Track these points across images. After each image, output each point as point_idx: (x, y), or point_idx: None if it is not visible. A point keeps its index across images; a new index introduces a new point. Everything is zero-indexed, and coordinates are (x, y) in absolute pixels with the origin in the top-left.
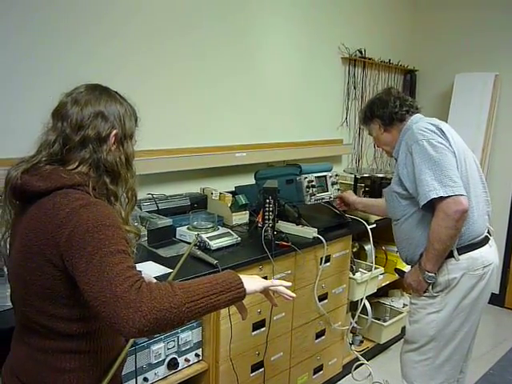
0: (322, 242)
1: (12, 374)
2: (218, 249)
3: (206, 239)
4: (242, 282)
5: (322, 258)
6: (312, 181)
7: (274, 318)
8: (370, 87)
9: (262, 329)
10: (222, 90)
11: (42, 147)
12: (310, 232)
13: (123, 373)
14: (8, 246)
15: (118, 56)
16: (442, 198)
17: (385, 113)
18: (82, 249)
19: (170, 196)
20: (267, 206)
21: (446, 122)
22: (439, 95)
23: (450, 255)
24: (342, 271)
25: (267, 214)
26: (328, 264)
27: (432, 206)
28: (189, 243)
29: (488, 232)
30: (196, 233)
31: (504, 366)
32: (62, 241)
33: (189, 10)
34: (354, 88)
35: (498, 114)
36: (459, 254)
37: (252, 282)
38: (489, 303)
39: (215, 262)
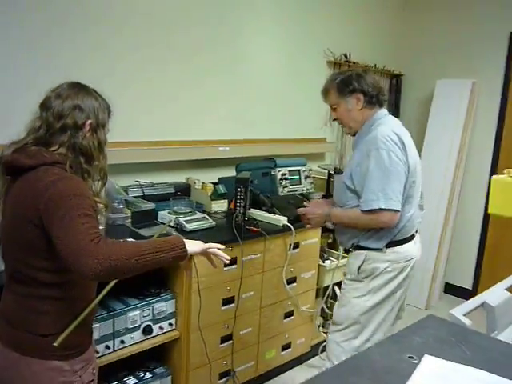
0: (290, 229)
1: (1, 317)
2: (193, 231)
3: (183, 222)
4: (184, 244)
5: (290, 245)
6: (285, 174)
7: (243, 295)
8: None
9: (231, 305)
10: (210, 88)
11: (30, 132)
12: (280, 220)
13: (102, 334)
14: (0, 212)
15: (112, 56)
16: (380, 209)
17: (373, 91)
18: (55, 212)
19: (157, 184)
20: (239, 194)
21: (426, 126)
22: (422, 100)
23: (378, 248)
24: (311, 258)
25: (239, 201)
26: (297, 250)
27: None
28: (171, 227)
29: (416, 230)
30: (174, 217)
31: (413, 329)
32: (41, 206)
33: (179, 11)
34: None
35: (475, 118)
36: (386, 248)
37: (193, 244)
38: (461, 298)
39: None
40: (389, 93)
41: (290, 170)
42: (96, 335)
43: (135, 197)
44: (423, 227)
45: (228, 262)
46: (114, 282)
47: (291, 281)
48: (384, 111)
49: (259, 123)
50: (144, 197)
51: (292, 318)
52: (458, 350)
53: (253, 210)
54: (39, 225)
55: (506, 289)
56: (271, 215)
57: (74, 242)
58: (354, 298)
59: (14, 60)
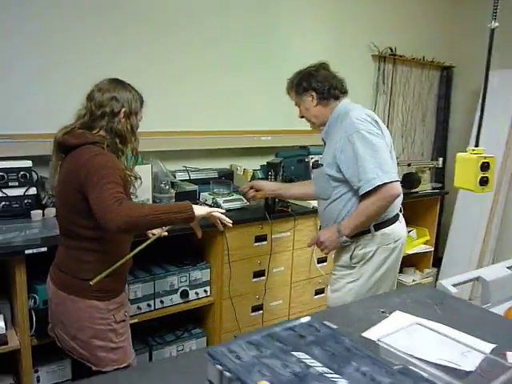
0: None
1: (55, 266)
2: (228, 210)
3: (220, 201)
4: (192, 208)
5: (320, 226)
6: (317, 161)
7: (274, 270)
8: (401, 83)
9: (262, 277)
10: (255, 81)
11: (77, 118)
12: (310, 202)
13: (144, 293)
14: (56, 182)
15: (170, 53)
16: (384, 184)
17: (323, 87)
18: (91, 179)
19: (202, 169)
20: (269, 177)
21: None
22: (475, 92)
23: (367, 231)
24: None
25: None
26: None
27: None
28: (208, 205)
29: (400, 210)
30: (212, 197)
31: (397, 292)
32: (82, 175)
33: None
34: (384, 83)
35: None
36: (375, 231)
37: (200, 208)
38: None
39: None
40: (438, 85)
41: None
42: (139, 294)
43: (182, 180)
44: (468, 217)
45: (231, 225)
46: (147, 243)
47: (322, 260)
48: (346, 101)
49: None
50: (190, 180)
51: (323, 295)
52: (431, 309)
53: None
54: (81, 190)
55: (510, 267)
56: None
57: (102, 202)
58: (348, 283)
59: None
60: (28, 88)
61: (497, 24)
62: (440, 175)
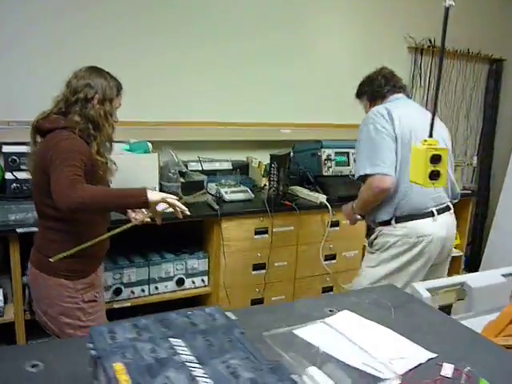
0: (327, 207)
1: (34, 245)
2: (231, 201)
3: (223, 192)
4: (146, 193)
5: (328, 222)
6: (330, 155)
7: (276, 264)
8: (443, 77)
9: (262, 271)
10: (278, 73)
11: (54, 104)
12: (318, 197)
13: (138, 278)
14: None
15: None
16: (369, 175)
17: (370, 90)
18: (54, 161)
19: (217, 160)
20: (272, 170)
21: None
22: None
23: (388, 223)
24: (354, 238)
25: (272, 176)
26: (337, 228)
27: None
28: (211, 194)
29: (444, 208)
30: (216, 187)
31: (359, 291)
32: (48, 157)
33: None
34: (420, 77)
35: None
36: (396, 223)
37: (154, 194)
38: None
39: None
40: (486, 79)
41: (336, 152)
42: (133, 278)
43: (194, 170)
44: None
45: (188, 213)
46: (123, 228)
47: (330, 257)
48: (398, 96)
49: (325, 108)
50: (202, 171)
51: (331, 293)
52: (385, 312)
53: (296, 187)
54: (46, 171)
55: (505, 275)
56: (311, 192)
57: (57, 183)
58: (366, 268)
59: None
60: (43, 75)
61: None
62: (485, 175)
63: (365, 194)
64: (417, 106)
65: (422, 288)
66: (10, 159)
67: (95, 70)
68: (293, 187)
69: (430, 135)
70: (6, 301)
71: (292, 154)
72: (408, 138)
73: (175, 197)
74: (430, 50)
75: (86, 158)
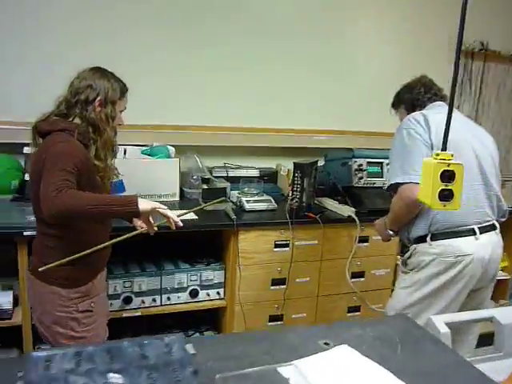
0: (355, 221)
1: (33, 251)
2: (252, 210)
3: (244, 201)
4: (136, 202)
5: (356, 237)
6: (361, 165)
7: (297, 279)
8: (495, 83)
9: (282, 286)
10: (311, 78)
11: (56, 106)
12: (346, 210)
13: (149, 288)
14: None
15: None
16: (400, 183)
17: (408, 98)
18: (46, 165)
19: (244, 166)
20: (296, 179)
21: None
22: None
23: (424, 240)
24: (385, 255)
25: (295, 186)
26: (366, 244)
27: None
28: (233, 203)
29: (488, 226)
30: (238, 196)
31: (366, 323)
32: (42, 160)
33: None
34: (470, 84)
35: None
36: (432, 240)
37: (145, 203)
38: None
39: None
40: None
41: (368, 162)
42: (144, 288)
43: (218, 177)
44: None
45: (180, 224)
46: (123, 237)
47: (358, 275)
48: (437, 103)
49: (359, 115)
50: (227, 177)
51: (358, 313)
52: (390, 349)
53: (324, 198)
54: (40, 175)
55: None
56: (340, 205)
57: (44, 188)
58: (400, 289)
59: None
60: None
61: None
62: None
63: (396, 205)
64: (460, 115)
65: (440, 322)
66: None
67: (98, 71)
68: (321, 198)
69: (444, 148)
70: (16, 303)
71: (324, 162)
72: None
73: (165, 207)
74: (483, 54)
75: (81, 163)
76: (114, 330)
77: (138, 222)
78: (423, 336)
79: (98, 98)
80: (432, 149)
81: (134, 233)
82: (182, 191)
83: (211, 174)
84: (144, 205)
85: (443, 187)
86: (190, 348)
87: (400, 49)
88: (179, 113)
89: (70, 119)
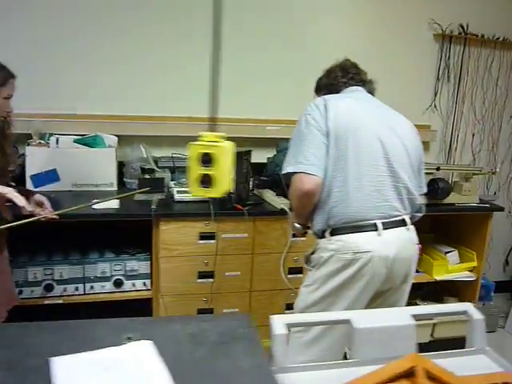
0: (287, 213)
1: None
2: (181, 201)
3: (174, 192)
4: None
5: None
6: None
7: (226, 273)
8: (477, 70)
9: (210, 279)
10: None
11: None
12: (279, 203)
13: (71, 276)
14: None
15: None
16: (292, 173)
17: (326, 83)
18: None
19: None
20: None
21: None
22: None
23: (322, 235)
24: None
25: None
26: (303, 239)
27: None
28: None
29: (395, 221)
30: (172, 186)
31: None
32: None
33: None
34: (448, 70)
35: None
36: (331, 235)
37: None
38: None
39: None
40: None
41: None
42: (65, 276)
43: (164, 167)
44: None
45: (28, 210)
46: (13, 224)
47: (295, 271)
48: (352, 89)
49: None
50: (173, 168)
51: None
52: (195, 347)
53: (265, 190)
54: None
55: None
56: (276, 197)
57: None
58: (303, 287)
59: None
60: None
61: None
62: None
63: (291, 195)
64: (376, 101)
65: (278, 322)
66: None
67: None
68: (262, 190)
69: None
70: None
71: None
72: (346, 135)
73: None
74: (462, 37)
75: None
76: (37, 318)
77: (37, 210)
78: (247, 337)
79: None
80: (328, 136)
81: (34, 218)
82: (122, 181)
83: (157, 164)
84: None
85: (203, 172)
86: None
87: (370, 30)
88: (127, 103)
89: None
